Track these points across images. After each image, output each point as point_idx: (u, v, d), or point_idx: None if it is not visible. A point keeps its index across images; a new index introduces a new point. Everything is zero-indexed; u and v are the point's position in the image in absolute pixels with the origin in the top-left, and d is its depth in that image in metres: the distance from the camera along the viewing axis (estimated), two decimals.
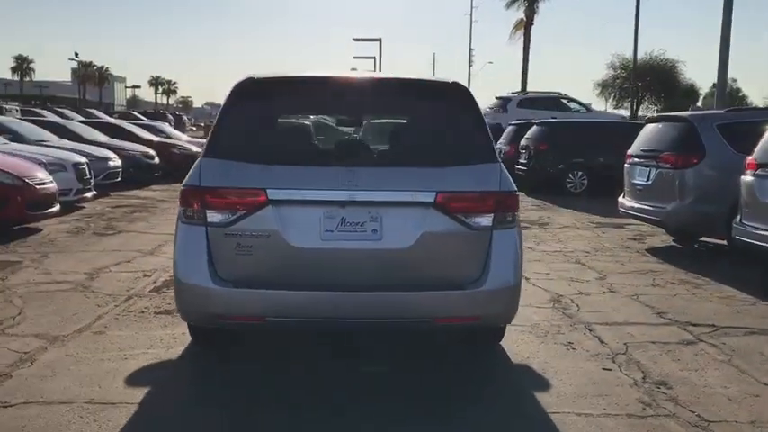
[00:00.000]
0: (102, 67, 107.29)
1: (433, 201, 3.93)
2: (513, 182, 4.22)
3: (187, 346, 4.84)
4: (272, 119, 4.26)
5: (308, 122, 4.36)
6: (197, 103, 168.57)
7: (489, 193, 4.02)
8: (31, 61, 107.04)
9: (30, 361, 4.51)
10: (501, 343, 4.84)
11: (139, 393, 4.02)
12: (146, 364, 4.50)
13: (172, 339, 4.98)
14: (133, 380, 4.21)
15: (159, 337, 5.03)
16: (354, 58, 46.32)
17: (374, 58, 45.11)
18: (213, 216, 3.93)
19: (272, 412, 3.83)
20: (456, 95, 4.32)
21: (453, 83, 4.32)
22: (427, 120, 4.34)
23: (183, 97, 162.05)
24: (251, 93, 4.22)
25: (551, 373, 4.47)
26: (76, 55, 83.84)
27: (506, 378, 4.52)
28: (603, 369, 4.59)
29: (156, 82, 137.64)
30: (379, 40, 43.87)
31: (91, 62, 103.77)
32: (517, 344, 5.00)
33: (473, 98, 4.30)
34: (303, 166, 4.02)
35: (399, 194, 3.95)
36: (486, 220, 4.02)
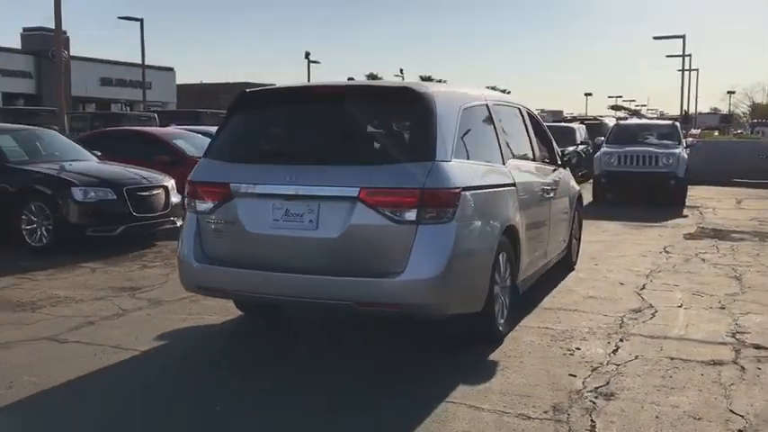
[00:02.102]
0: (441, 80, 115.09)
1: (356, 195, 4.33)
2: (453, 179, 4.39)
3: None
4: (249, 125, 5.01)
5: (277, 126, 5.02)
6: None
7: (412, 189, 4.28)
8: None
9: None
10: None
11: None
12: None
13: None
14: None
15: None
16: (667, 56, 43.32)
17: (686, 56, 41.68)
18: (200, 205, 4.84)
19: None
20: (402, 99, 4.62)
21: (402, 87, 4.63)
22: (372, 122, 4.71)
23: None
24: (238, 103, 5.04)
25: None
26: (401, 71, 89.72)
27: None
28: None
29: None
30: (683, 36, 40.51)
31: (430, 76, 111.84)
32: None
33: (424, 102, 4.55)
34: (259, 165, 4.72)
35: (331, 189, 4.42)
36: (410, 215, 4.29)
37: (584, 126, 23.46)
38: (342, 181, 4.39)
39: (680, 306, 6.30)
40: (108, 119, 22.86)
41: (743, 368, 4.62)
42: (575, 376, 4.45)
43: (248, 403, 4.07)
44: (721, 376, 4.47)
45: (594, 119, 32.55)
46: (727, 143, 26.98)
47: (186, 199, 4.98)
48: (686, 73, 42.96)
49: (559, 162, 7.30)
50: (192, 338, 5.39)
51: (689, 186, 15.94)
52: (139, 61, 39.14)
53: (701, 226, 11.75)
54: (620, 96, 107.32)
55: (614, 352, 4.95)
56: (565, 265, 7.66)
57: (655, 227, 11.66)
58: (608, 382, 4.34)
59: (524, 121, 6.41)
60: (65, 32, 49.96)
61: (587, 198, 15.48)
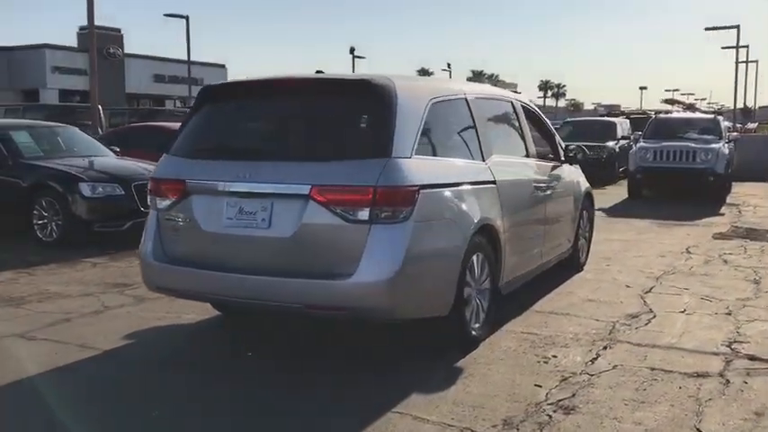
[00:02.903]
0: (493, 74, 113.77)
1: (307, 193, 4.15)
2: (410, 177, 4.17)
3: None
4: (209, 120, 4.86)
5: (235, 121, 4.85)
6: (587, 105, 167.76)
7: (364, 187, 4.07)
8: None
9: None
10: None
11: None
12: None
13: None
14: None
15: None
16: (723, 48, 41.71)
17: (741, 47, 39.99)
18: (160, 203, 4.73)
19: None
20: (361, 93, 4.40)
21: (360, 80, 4.40)
22: (329, 116, 4.49)
23: (572, 99, 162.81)
24: (201, 98, 4.91)
25: None
26: (449, 66, 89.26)
27: None
28: None
29: (545, 86, 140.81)
30: (737, 27, 38.79)
31: (482, 71, 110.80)
32: None
33: (382, 95, 4.32)
34: (215, 161, 4.57)
35: (283, 187, 4.25)
36: (363, 214, 4.08)
37: (627, 120, 22.78)
38: (294, 178, 4.21)
39: (682, 311, 5.92)
40: (144, 115, 23.25)
41: (728, 381, 4.27)
42: (540, 387, 4.18)
43: (194, 408, 3.94)
44: (700, 390, 4.13)
45: (643, 113, 31.57)
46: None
47: (149, 196, 4.87)
48: (742, 65, 41.32)
49: (562, 158, 6.95)
50: (161, 338, 5.29)
51: (734, 183, 15.26)
52: (195, 58, 39.83)
53: (734, 225, 11.18)
54: (677, 90, 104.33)
55: (592, 361, 4.65)
56: (571, 265, 7.32)
57: (685, 225, 11.15)
58: (574, 395, 4.06)
59: (516, 116, 6.11)
60: (119, 30, 51.53)
61: (623, 195, 15.00)
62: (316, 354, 4.89)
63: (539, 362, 4.62)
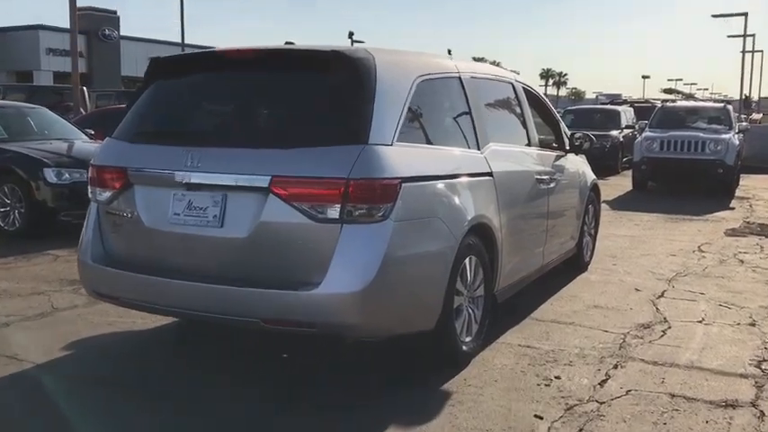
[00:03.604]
0: (494, 61, 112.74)
1: (267, 186, 3.48)
2: (390, 168, 3.49)
3: None
4: (157, 98, 4.16)
5: (186, 99, 4.14)
6: (588, 95, 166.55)
7: (334, 179, 3.40)
8: None
9: None
10: None
11: None
12: None
13: None
14: None
15: None
16: (728, 36, 40.80)
17: (747, 36, 39.14)
18: (100, 194, 4.06)
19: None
20: (333, 67, 3.71)
21: (333, 52, 3.70)
22: (296, 95, 3.81)
23: (573, 88, 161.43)
24: (150, 73, 4.21)
25: None
26: (449, 52, 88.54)
27: None
28: None
29: (546, 74, 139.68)
30: (745, 14, 37.92)
31: (483, 58, 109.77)
32: None
33: (359, 70, 3.65)
34: (162, 146, 3.89)
35: (239, 178, 3.57)
36: (332, 212, 3.41)
37: (631, 109, 22.08)
38: (252, 167, 3.53)
39: (700, 321, 5.27)
40: (131, 96, 22.45)
41: (762, 414, 3.62)
42: (541, 418, 3.53)
43: None
44: (732, 426, 3.48)
45: (646, 101, 30.84)
46: None
47: (89, 186, 4.20)
48: (748, 54, 40.49)
49: (567, 147, 6.27)
50: (106, 349, 4.62)
51: (742, 175, 14.60)
52: (191, 42, 39.10)
53: (747, 221, 10.53)
54: (680, 80, 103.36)
55: (602, 384, 4.00)
56: (575, 265, 6.66)
57: (694, 220, 10.49)
58: (581, 430, 3.40)
59: (518, 99, 5.43)
60: (114, 12, 50.58)
61: (627, 186, 14.34)
62: (272, 371, 4.24)
63: (539, 384, 3.97)
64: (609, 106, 21.70)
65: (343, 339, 4.04)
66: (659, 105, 17.05)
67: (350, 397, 3.78)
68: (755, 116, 36.96)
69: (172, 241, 3.75)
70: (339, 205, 3.38)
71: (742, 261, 7.53)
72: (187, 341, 4.85)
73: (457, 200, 3.99)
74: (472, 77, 4.66)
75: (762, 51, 51.46)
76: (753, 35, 40.75)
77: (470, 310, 4.27)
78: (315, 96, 3.73)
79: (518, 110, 5.43)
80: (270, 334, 4.06)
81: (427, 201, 3.75)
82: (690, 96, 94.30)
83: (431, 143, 4.03)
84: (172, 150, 3.77)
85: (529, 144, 5.46)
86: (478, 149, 4.48)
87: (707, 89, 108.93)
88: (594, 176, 7.04)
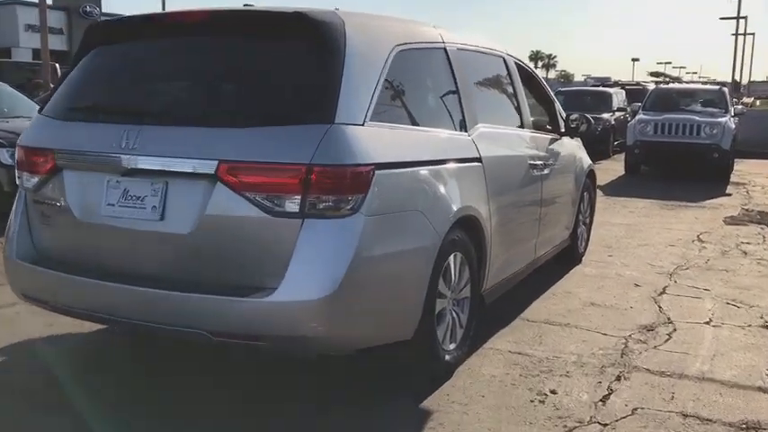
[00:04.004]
0: None
1: (213, 172, 2.93)
2: (361, 152, 2.95)
3: None
4: (92, 68, 3.58)
5: (124, 69, 3.56)
6: (577, 77, 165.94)
7: (293, 165, 2.85)
8: None
9: None
10: None
11: None
12: None
13: None
14: None
15: None
16: (721, 18, 40.36)
17: (741, 18, 38.61)
18: (27, 180, 3.50)
19: None
20: (295, 31, 3.16)
21: (295, 14, 3.13)
22: (251, 64, 3.25)
23: (563, 71, 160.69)
24: (86, 39, 3.63)
25: None
26: None
27: None
28: None
29: (535, 57, 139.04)
30: None
31: None
32: None
33: (326, 35, 3.09)
34: (93, 123, 3.32)
35: (181, 162, 3.01)
36: (291, 204, 2.87)
37: (623, 91, 21.57)
38: (197, 150, 2.98)
39: (707, 322, 4.78)
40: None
41: None
42: None
43: None
44: None
45: (637, 84, 30.37)
46: None
47: (16, 170, 3.63)
48: (740, 37, 40.06)
49: (562, 130, 5.74)
50: (37, 355, 4.07)
51: (736, 160, 14.16)
52: None
53: (745, 208, 10.07)
54: (670, 63, 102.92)
55: (604, 399, 3.50)
56: (568, 257, 6.16)
57: (691, 207, 10.03)
58: None
59: (510, 76, 4.88)
60: None
61: (620, 171, 13.86)
62: (226, 384, 3.71)
63: (533, 401, 3.46)
64: (600, 88, 21.16)
65: (303, 355, 3.51)
66: (653, 87, 16.50)
67: (306, 420, 3.25)
68: (746, 100, 36.60)
69: (105, 237, 3.20)
70: (299, 196, 2.85)
71: (745, 252, 7.07)
72: (137, 344, 4.31)
73: (440, 189, 3.46)
74: (459, 49, 4.11)
75: (753, 34, 51.04)
76: (745, 17, 40.32)
77: (454, 314, 3.76)
78: (273, 66, 3.17)
79: (510, 88, 4.89)
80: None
81: (405, 191, 3.22)
82: (676, 80, 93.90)
83: (410, 124, 3.49)
84: (105, 129, 3.20)
85: (521, 126, 4.93)
86: (465, 131, 3.95)
87: (696, 72, 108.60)
88: (590, 161, 6.52)
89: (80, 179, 3.28)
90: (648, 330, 4.57)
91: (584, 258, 6.51)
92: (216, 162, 2.91)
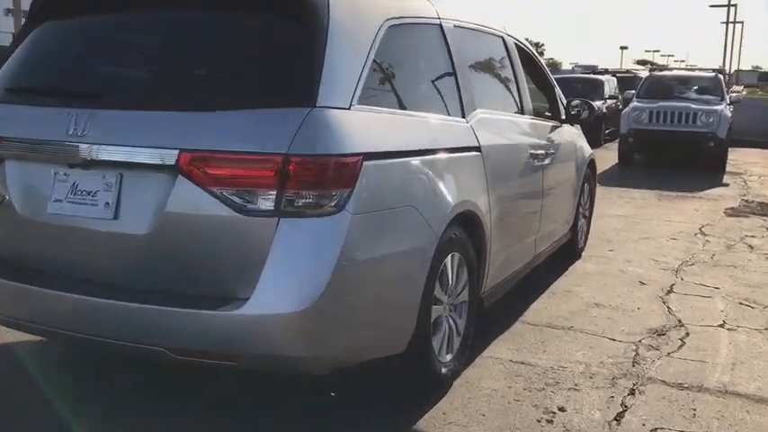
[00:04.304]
0: None
1: (174, 163, 2.51)
2: (346, 140, 2.54)
3: None
4: (40, 43, 3.13)
5: (76, 45, 3.11)
6: (565, 65, 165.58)
7: (268, 155, 2.44)
8: None
9: None
10: None
11: None
12: None
13: None
14: None
15: None
16: (711, 6, 40.05)
17: (731, 5, 38.29)
18: None
19: None
20: (266, 3, 2.74)
21: None
22: (218, 40, 2.82)
23: (550, 59, 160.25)
24: (36, 12, 3.17)
25: None
26: None
27: None
28: None
29: None
30: None
31: None
32: None
33: (308, 7, 2.67)
34: (39, 107, 2.89)
35: (137, 151, 2.59)
36: (265, 201, 2.46)
37: (614, 79, 21.22)
38: (155, 137, 2.56)
39: (721, 325, 4.43)
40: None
41: None
42: None
43: None
44: None
45: (628, 71, 30.06)
46: None
47: None
48: (730, 25, 39.83)
49: (563, 117, 5.35)
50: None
51: (729, 149, 13.85)
52: None
53: (745, 199, 9.76)
54: (658, 51, 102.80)
55: (618, 418, 3.13)
56: (568, 252, 5.79)
57: (689, 198, 9.70)
58: None
59: (510, 58, 4.48)
60: None
61: (612, 160, 13.52)
62: (191, 404, 3.30)
63: (539, 420, 3.09)
64: (591, 76, 20.80)
65: (279, 375, 3.11)
66: (645, 74, 16.13)
67: None
68: (736, 88, 36.43)
69: (52, 237, 2.78)
70: (274, 192, 2.44)
71: (751, 247, 6.73)
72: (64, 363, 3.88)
73: (437, 182, 3.06)
74: (456, 26, 3.70)
75: (742, 22, 50.89)
76: (735, 5, 40.07)
77: (451, 321, 3.38)
78: (244, 42, 2.75)
79: (510, 70, 4.49)
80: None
81: (398, 184, 2.82)
82: (663, 68, 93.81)
83: (403, 108, 3.08)
84: (51, 113, 2.77)
85: (521, 112, 4.53)
86: (463, 117, 3.54)
87: (683, 61, 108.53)
88: (591, 150, 6.15)
89: (23, 171, 2.85)
90: (659, 335, 4.21)
91: (583, 253, 6.14)
92: (177, 152, 2.49)
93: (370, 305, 2.69)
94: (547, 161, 4.66)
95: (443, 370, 3.27)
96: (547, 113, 5.24)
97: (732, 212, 8.65)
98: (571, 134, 5.49)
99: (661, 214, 8.39)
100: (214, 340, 2.48)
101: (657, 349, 3.97)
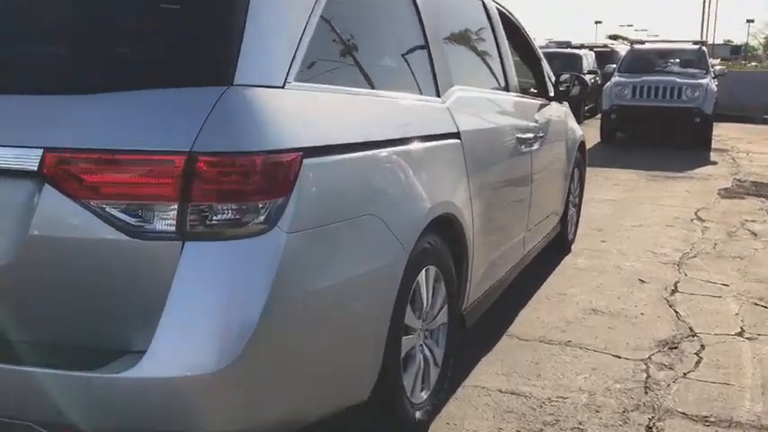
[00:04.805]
0: None
1: (37, 168, 1.79)
2: (276, 130, 1.84)
3: None
4: None
5: None
6: (539, 42, 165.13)
7: (166, 154, 1.74)
8: None
9: None
10: None
11: None
12: None
13: None
14: None
15: None
16: None
17: None
18: None
19: None
20: None
21: None
22: (107, 3, 2.10)
23: None
24: None
25: None
26: None
27: None
28: None
29: None
30: None
31: None
32: None
33: None
34: None
35: None
36: (163, 219, 1.76)
37: (592, 53, 20.64)
38: (13, 132, 1.83)
39: (739, 333, 3.83)
40: None
41: None
42: None
43: None
44: None
45: (605, 46, 29.49)
46: (756, 74, 24.02)
47: None
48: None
49: (551, 94, 4.69)
50: None
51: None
52: None
53: (736, 178, 9.21)
54: (631, 25, 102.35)
55: None
56: (557, 246, 5.16)
57: (678, 178, 9.14)
58: None
59: (491, 26, 3.79)
60: None
61: (593, 138, 12.94)
62: None
63: None
64: (569, 50, 20.17)
65: None
66: (626, 49, 15.49)
67: None
68: (713, 61, 36.06)
69: None
70: (175, 206, 1.74)
71: (755, 234, 6.15)
72: None
73: (405, 181, 2.38)
74: None
75: None
76: None
77: (427, 351, 2.71)
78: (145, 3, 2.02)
79: (492, 40, 3.81)
80: None
81: (352, 187, 2.13)
82: (637, 42, 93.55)
83: (360, 86, 2.38)
84: None
85: (507, 89, 3.85)
86: (438, 96, 2.85)
87: (657, 35, 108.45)
88: (581, 131, 5.50)
89: None
90: (671, 348, 3.59)
91: (573, 246, 5.52)
92: (41, 151, 1.77)
93: (317, 350, 2.01)
94: (536, 146, 4.00)
95: (418, 414, 2.61)
96: (532, 90, 4.58)
97: (727, 194, 8.09)
98: (560, 113, 4.84)
99: (652, 197, 7.80)
100: (98, 413, 1.79)
101: (671, 368, 3.35)
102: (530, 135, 3.89)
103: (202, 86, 1.80)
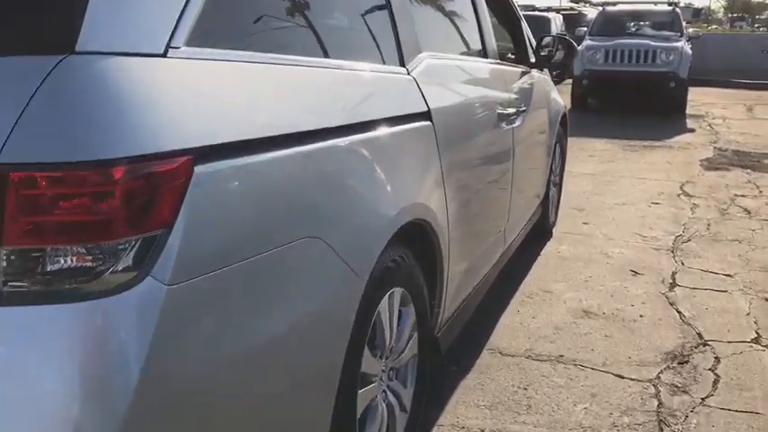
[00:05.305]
0: None
1: None
2: (142, 123, 1.16)
3: None
4: None
5: None
6: None
7: None
8: None
9: None
10: None
11: None
12: None
13: None
14: None
15: None
16: None
17: None
18: None
19: None
20: None
21: None
22: None
23: None
24: None
25: None
26: None
27: None
28: None
29: None
30: None
31: None
32: None
33: None
34: None
35: None
36: None
37: (560, 16, 20.06)
38: None
39: (756, 339, 3.29)
40: None
41: None
42: None
43: None
44: None
45: (572, 9, 28.93)
46: (723, 36, 23.66)
47: None
48: None
49: (533, 60, 4.04)
50: None
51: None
52: None
53: (717, 146, 8.74)
54: None
55: None
56: (538, 231, 4.56)
57: (657, 147, 8.62)
58: None
59: None
60: None
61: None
62: None
63: None
64: (537, 13, 19.51)
65: None
66: (600, 9, 14.94)
67: None
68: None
69: None
70: None
71: (748, 211, 5.64)
72: None
73: (360, 184, 1.72)
74: None
75: None
76: None
77: (392, 398, 2.09)
78: None
79: (467, 2, 3.12)
80: None
81: (277, 202, 1.45)
82: (607, 5, 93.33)
83: (288, 52, 1.68)
84: None
85: (485, 55, 3.18)
86: (402, 65, 2.18)
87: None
88: (563, 102, 4.88)
89: None
90: (681, 363, 3.03)
91: (555, 230, 4.94)
92: None
93: None
94: (518, 122, 3.37)
95: None
96: (510, 56, 3.93)
97: (710, 165, 7.60)
98: (542, 83, 4.21)
99: (632, 170, 7.26)
100: None
101: (685, 391, 2.79)
102: (512, 110, 3.25)
103: (23, 55, 1.12)
